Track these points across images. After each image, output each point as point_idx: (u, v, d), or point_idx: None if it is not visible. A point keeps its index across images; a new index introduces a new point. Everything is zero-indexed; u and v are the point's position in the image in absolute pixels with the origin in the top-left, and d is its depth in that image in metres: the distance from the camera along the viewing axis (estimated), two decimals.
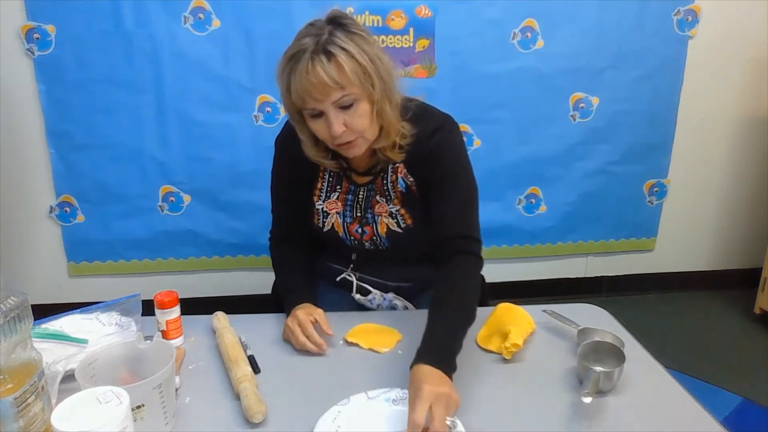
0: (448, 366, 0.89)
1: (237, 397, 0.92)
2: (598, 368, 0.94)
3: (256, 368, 1.01)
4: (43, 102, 2.04)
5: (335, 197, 1.20)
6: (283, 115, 2.06)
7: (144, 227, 2.23)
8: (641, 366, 1.02)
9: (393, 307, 1.28)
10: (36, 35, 1.96)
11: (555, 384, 0.97)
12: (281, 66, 1.01)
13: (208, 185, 2.20)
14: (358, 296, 1.27)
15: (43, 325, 1.08)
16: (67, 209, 2.18)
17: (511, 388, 0.97)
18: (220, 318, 1.14)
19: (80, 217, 2.20)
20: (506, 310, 1.14)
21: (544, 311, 1.18)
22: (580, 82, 2.25)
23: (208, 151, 2.15)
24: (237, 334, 1.08)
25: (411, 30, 2.10)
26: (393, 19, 2.08)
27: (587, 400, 0.86)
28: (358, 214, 1.20)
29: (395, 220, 1.17)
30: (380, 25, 2.08)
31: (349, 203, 1.20)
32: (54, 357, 0.96)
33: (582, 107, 2.29)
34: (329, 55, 0.96)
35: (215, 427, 0.87)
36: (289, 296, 1.17)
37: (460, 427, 0.82)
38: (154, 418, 0.80)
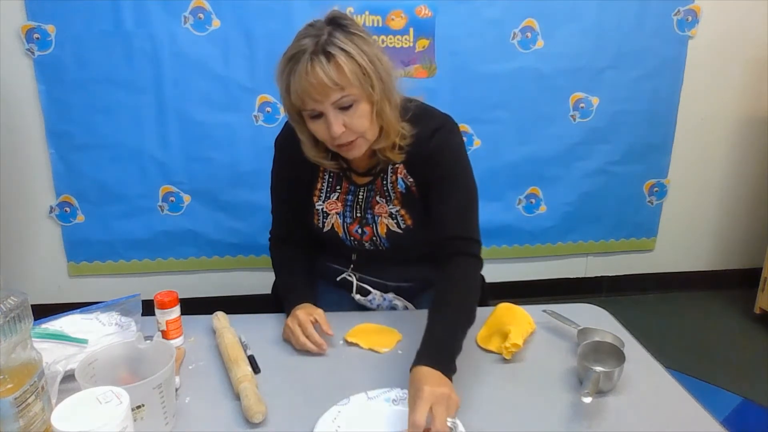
0: (448, 368, 0.89)
1: (237, 397, 0.92)
2: (598, 368, 0.94)
3: (256, 368, 1.01)
4: (43, 102, 2.04)
5: (335, 198, 1.20)
6: (283, 115, 2.05)
7: (144, 227, 2.23)
8: (641, 366, 1.02)
9: (393, 308, 1.28)
10: (36, 35, 1.96)
11: (555, 384, 0.97)
12: (280, 67, 1.01)
13: (208, 185, 2.20)
14: (358, 297, 1.27)
15: (43, 325, 1.08)
16: (67, 209, 2.18)
17: (511, 388, 0.97)
18: (220, 318, 1.14)
19: (80, 217, 2.20)
20: (506, 310, 1.14)
21: (544, 311, 1.18)
22: (580, 82, 2.25)
23: (208, 151, 2.15)
24: (237, 334, 1.08)
25: (411, 30, 2.10)
26: (393, 19, 2.08)
27: (587, 400, 0.86)
28: (358, 215, 1.20)
29: (395, 221, 1.17)
30: (380, 25, 2.08)
31: (348, 204, 1.20)
32: (54, 357, 0.96)
33: (582, 107, 2.29)
34: (329, 56, 0.96)
35: (215, 427, 0.87)
36: (289, 296, 1.17)
37: (460, 427, 0.82)
38: (154, 418, 0.80)
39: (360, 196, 1.19)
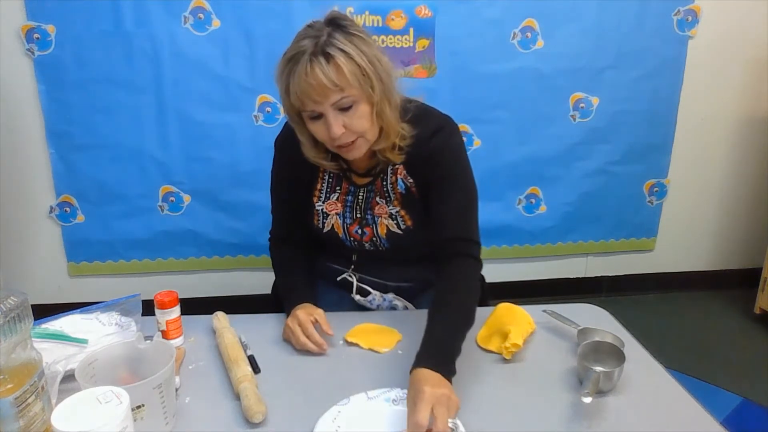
0: (447, 370, 0.89)
1: (237, 397, 0.92)
2: (598, 368, 0.94)
3: (256, 368, 1.01)
4: (43, 102, 2.04)
5: (335, 198, 1.20)
6: (282, 115, 2.05)
7: (144, 227, 2.23)
8: (641, 366, 1.02)
9: (393, 308, 1.28)
10: (36, 35, 1.96)
11: (555, 384, 0.97)
12: (280, 68, 1.01)
13: (208, 185, 2.20)
14: (358, 297, 1.27)
15: (43, 325, 1.08)
16: (67, 209, 2.18)
17: (511, 388, 0.97)
18: (220, 318, 1.14)
19: (80, 217, 2.20)
20: (506, 310, 1.14)
21: (544, 311, 1.18)
22: (580, 82, 2.25)
23: (208, 151, 2.15)
24: (237, 334, 1.08)
25: (411, 30, 2.10)
26: (393, 19, 2.08)
27: (587, 400, 0.86)
28: (358, 215, 1.20)
29: (395, 222, 1.17)
30: (380, 25, 2.08)
31: (348, 204, 1.20)
32: (54, 357, 0.96)
33: (582, 107, 2.29)
34: (328, 57, 0.96)
35: (215, 427, 0.87)
36: (289, 296, 1.17)
37: (461, 428, 0.82)
38: (154, 418, 0.80)
39: (360, 197, 1.19)
